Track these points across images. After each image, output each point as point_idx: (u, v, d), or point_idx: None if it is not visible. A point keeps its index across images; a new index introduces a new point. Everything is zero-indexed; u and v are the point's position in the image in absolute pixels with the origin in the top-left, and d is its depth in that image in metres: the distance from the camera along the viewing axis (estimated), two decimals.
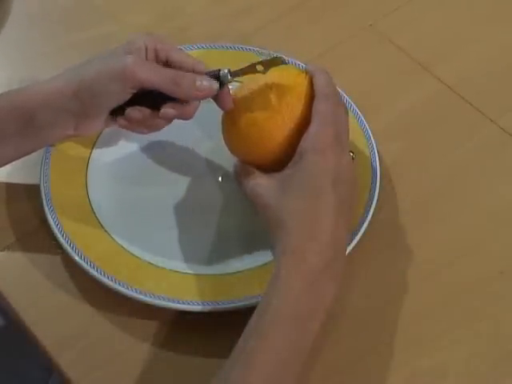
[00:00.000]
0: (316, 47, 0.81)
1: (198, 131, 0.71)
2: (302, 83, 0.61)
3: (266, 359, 0.50)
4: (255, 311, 0.53)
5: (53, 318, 0.61)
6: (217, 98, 0.62)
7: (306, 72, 0.62)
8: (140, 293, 0.59)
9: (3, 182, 0.69)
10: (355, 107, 0.72)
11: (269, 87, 0.61)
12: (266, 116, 0.60)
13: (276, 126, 0.60)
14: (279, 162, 0.59)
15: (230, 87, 0.61)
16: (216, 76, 0.61)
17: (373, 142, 0.69)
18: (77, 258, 0.61)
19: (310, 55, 0.79)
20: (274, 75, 0.61)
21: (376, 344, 0.60)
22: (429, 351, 0.60)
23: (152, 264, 0.62)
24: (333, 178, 0.55)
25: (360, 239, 0.63)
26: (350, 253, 0.61)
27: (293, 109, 0.60)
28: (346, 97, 0.72)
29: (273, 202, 0.57)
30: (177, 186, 0.68)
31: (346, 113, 0.61)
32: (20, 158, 0.64)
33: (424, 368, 0.59)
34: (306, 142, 0.57)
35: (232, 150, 0.64)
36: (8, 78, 0.78)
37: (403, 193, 0.69)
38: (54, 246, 0.64)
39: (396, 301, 0.63)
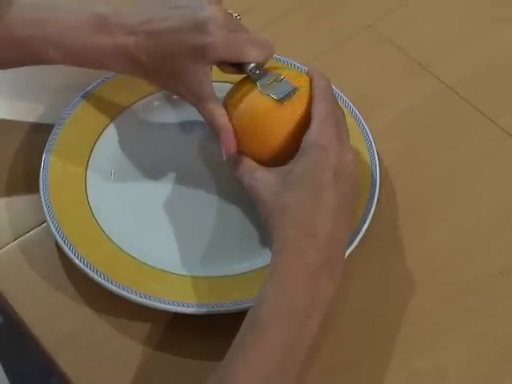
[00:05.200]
0: (316, 47, 0.81)
1: (198, 133, 0.71)
2: (303, 83, 0.61)
3: (263, 355, 0.50)
4: (252, 307, 0.53)
5: (52, 318, 0.61)
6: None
7: (307, 74, 0.62)
8: (139, 295, 0.59)
9: (3, 182, 0.69)
10: (354, 107, 0.72)
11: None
12: (268, 111, 0.60)
13: (276, 121, 0.60)
14: (277, 160, 0.59)
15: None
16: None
17: (372, 142, 0.69)
18: (76, 260, 0.61)
19: (309, 55, 0.79)
20: None
21: (376, 344, 0.60)
22: (429, 351, 0.60)
23: (151, 266, 0.62)
24: (335, 174, 0.55)
25: (360, 239, 0.63)
26: (350, 253, 0.61)
27: (294, 107, 0.60)
28: (344, 97, 0.72)
29: (271, 197, 0.56)
30: (176, 188, 0.68)
31: (344, 115, 0.61)
32: None
33: (424, 368, 0.59)
34: (310, 137, 0.57)
35: None
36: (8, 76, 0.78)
37: (403, 193, 0.69)
38: (52, 246, 0.64)
39: (396, 301, 0.63)
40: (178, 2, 0.64)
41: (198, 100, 0.63)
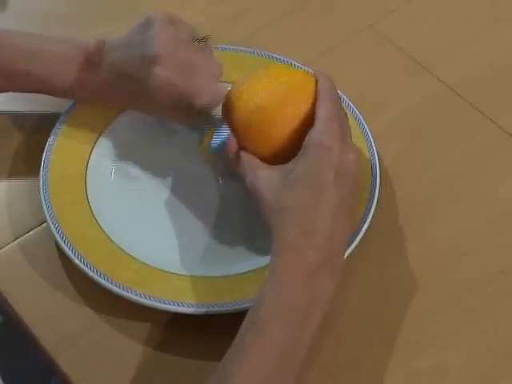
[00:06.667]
0: (316, 47, 0.81)
1: (198, 132, 0.71)
2: (308, 84, 0.61)
3: (263, 355, 0.50)
4: (252, 306, 0.53)
5: (52, 318, 0.61)
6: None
7: (313, 75, 0.62)
8: (139, 295, 0.59)
9: (3, 182, 0.69)
10: (355, 107, 0.72)
11: (278, 81, 0.61)
12: (272, 106, 0.60)
13: (280, 118, 0.60)
14: (280, 157, 0.59)
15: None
16: None
17: (372, 142, 0.69)
18: (76, 260, 0.61)
19: (310, 55, 0.79)
20: (282, 73, 0.62)
21: (376, 344, 0.60)
22: (429, 351, 0.60)
23: (151, 266, 0.62)
24: (336, 173, 0.55)
25: (360, 239, 0.63)
26: (350, 253, 0.61)
27: (299, 105, 0.60)
28: (345, 97, 0.72)
29: (272, 196, 0.56)
30: (176, 187, 0.68)
31: (347, 116, 0.61)
32: None
33: (424, 368, 0.59)
34: (313, 137, 0.57)
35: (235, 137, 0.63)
36: None
37: (403, 193, 0.69)
38: (53, 246, 0.64)
39: (396, 301, 0.63)
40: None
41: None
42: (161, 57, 0.61)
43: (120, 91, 0.66)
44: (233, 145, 0.61)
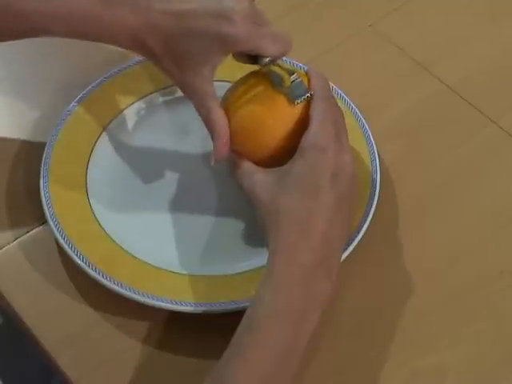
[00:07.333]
0: (316, 47, 0.81)
1: (198, 132, 0.71)
2: None
3: (260, 355, 0.50)
4: (248, 307, 0.53)
5: (52, 318, 0.61)
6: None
7: (306, 74, 0.62)
8: (139, 294, 0.59)
9: (3, 182, 0.69)
10: (355, 107, 0.72)
11: (270, 82, 0.60)
12: (265, 108, 0.60)
13: (273, 118, 0.59)
14: (274, 160, 0.59)
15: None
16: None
17: (373, 142, 0.69)
18: (76, 259, 0.61)
19: (309, 55, 0.79)
20: None
21: (375, 344, 0.60)
22: (429, 351, 0.60)
23: (151, 265, 0.62)
24: (332, 175, 0.55)
25: (360, 239, 0.63)
26: (349, 253, 0.61)
27: (292, 107, 0.59)
28: (345, 97, 0.72)
29: (268, 198, 0.56)
30: (175, 187, 0.68)
31: (343, 116, 0.61)
32: None
33: (424, 368, 0.59)
34: (308, 139, 0.57)
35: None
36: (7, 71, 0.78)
37: (403, 193, 0.69)
38: (53, 246, 0.64)
39: (395, 301, 0.63)
40: None
41: (195, 94, 0.61)
42: (241, 9, 0.58)
43: (156, 38, 0.59)
44: (223, 150, 0.60)
